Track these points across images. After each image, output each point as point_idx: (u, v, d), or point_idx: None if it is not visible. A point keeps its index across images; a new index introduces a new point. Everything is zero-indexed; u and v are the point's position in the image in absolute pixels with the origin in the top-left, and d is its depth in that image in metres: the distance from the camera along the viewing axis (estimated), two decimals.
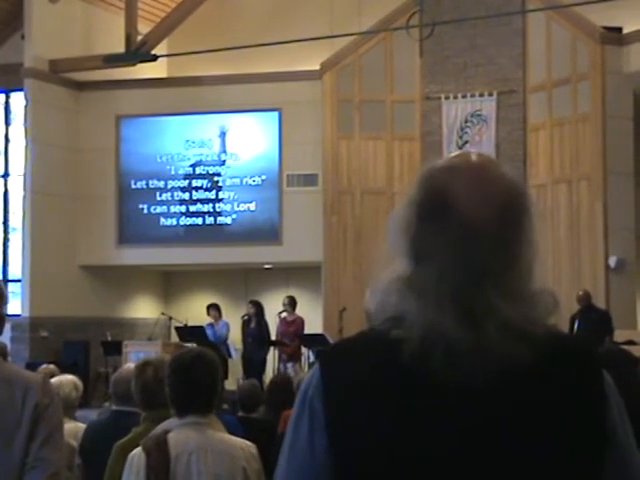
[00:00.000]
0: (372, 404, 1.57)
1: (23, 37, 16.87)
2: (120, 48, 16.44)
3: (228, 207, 17.01)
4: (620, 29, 14.90)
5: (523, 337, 1.56)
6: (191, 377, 3.73)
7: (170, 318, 16.33)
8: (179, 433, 3.69)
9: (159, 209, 17.24)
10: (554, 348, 1.61)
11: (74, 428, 5.50)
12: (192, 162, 17.21)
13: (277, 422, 6.50)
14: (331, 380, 1.62)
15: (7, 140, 18.21)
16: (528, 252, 1.62)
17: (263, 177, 16.87)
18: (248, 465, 3.74)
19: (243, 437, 4.15)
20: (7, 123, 18.26)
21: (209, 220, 17.09)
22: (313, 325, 15.27)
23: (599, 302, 13.74)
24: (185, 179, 17.21)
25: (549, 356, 1.59)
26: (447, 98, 16.02)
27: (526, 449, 1.56)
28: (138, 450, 3.70)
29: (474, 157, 1.67)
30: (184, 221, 17.19)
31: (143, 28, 16.83)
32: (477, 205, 1.59)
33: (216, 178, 17.11)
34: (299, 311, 15.05)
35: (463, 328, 1.54)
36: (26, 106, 16.78)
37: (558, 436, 1.57)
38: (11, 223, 18.08)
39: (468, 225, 1.58)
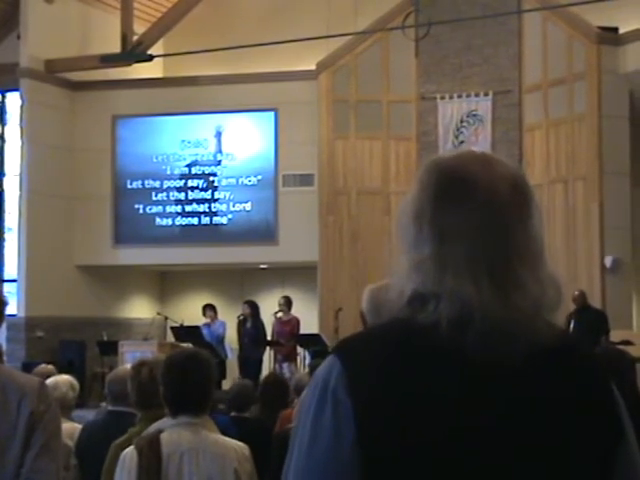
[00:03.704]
0: (402, 390, 1.54)
1: (19, 37, 16.86)
2: (116, 48, 16.43)
3: (224, 207, 17.01)
4: (616, 29, 14.92)
5: (544, 318, 1.57)
6: (185, 377, 3.71)
7: (166, 318, 16.32)
8: (172, 433, 3.68)
9: (155, 209, 17.23)
10: (563, 341, 1.62)
11: (70, 428, 5.49)
12: (188, 162, 17.20)
13: (272, 422, 6.52)
14: (355, 369, 1.57)
15: (3, 140, 18.18)
16: (539, 234, 1.63)
17: (259, 177, 16.87)
18: (240, 467, 3.72)
19: (236, 436, 4.15)
20: (3, 123, 18.22)
21: (205, 220, 17.08)
22: (309, 325, 15.26)
23: (595, 302, 13.74)
24: (181, 179, 17.21)
25: (559, 348, 1.60)
26: (443, 98, 16.02)
27: (547, 435, 1.55)
28: (130, 449, 3.69)
29: (475, 149, 1.71)
30: (180, 221, 17.18)
31: (139, 28, 16.82)
32: (494, 182, 1.61)
33: (212, 178, 17.10)
34: (295, 311, 15.03)
35: (499, 301, 1.54)
36: (22, 106, 16.76)
37: (574, 430, 1.57)
38: (7, 223, 18.05)
39: (490, 200, 1.59)
